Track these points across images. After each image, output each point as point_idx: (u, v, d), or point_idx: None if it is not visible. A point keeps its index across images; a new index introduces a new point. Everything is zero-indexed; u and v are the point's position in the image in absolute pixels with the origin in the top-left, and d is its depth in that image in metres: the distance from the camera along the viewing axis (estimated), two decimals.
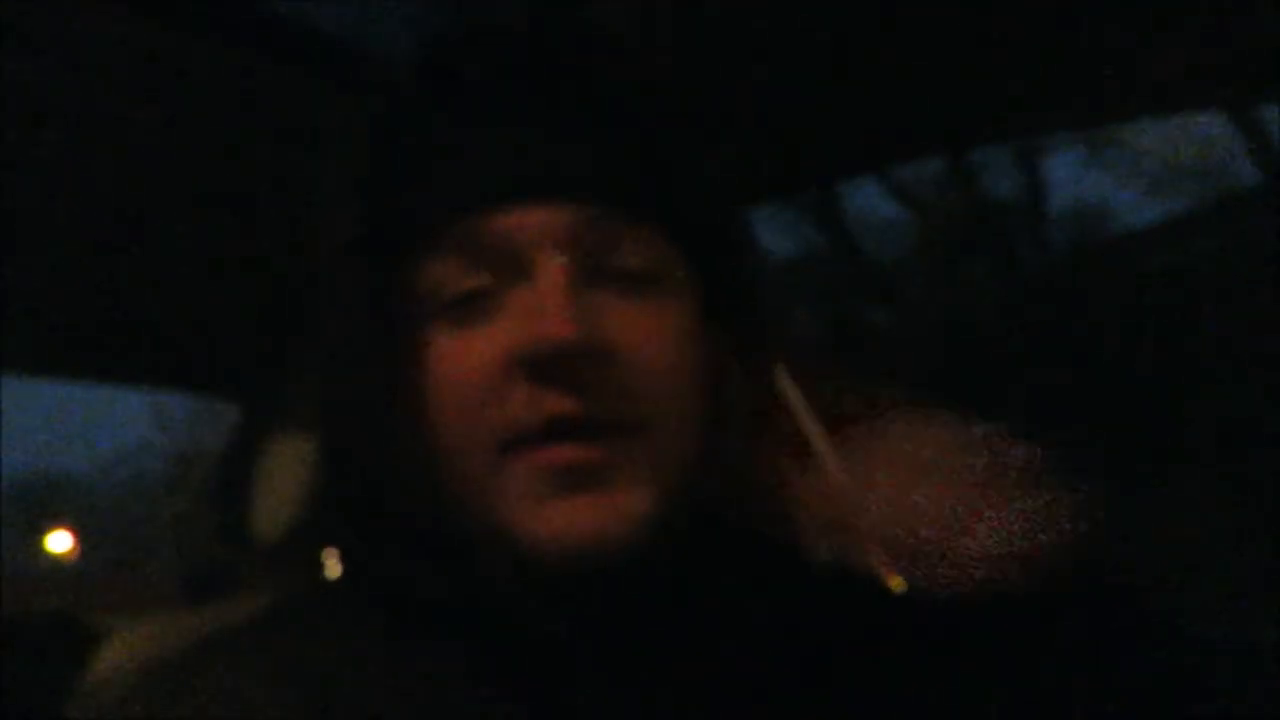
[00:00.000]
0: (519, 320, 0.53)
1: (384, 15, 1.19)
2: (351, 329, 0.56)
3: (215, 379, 1.86)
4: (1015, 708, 0.55)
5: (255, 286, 1.53)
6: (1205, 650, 0.59)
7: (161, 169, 1.27)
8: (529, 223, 0.54)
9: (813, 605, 0.59)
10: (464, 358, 0.54)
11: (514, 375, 0.53)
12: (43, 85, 1.11)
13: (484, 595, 0.54)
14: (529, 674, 0.53)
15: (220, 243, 1.45)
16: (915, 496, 0.56)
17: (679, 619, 0.56)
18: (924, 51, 1.25)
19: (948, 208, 5.16)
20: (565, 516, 0.52)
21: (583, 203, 0.55)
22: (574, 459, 0.52)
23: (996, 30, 1.22)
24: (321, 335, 0.59)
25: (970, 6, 1.18)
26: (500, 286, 0.54)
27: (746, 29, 1.17)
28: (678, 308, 0.57)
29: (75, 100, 1.14)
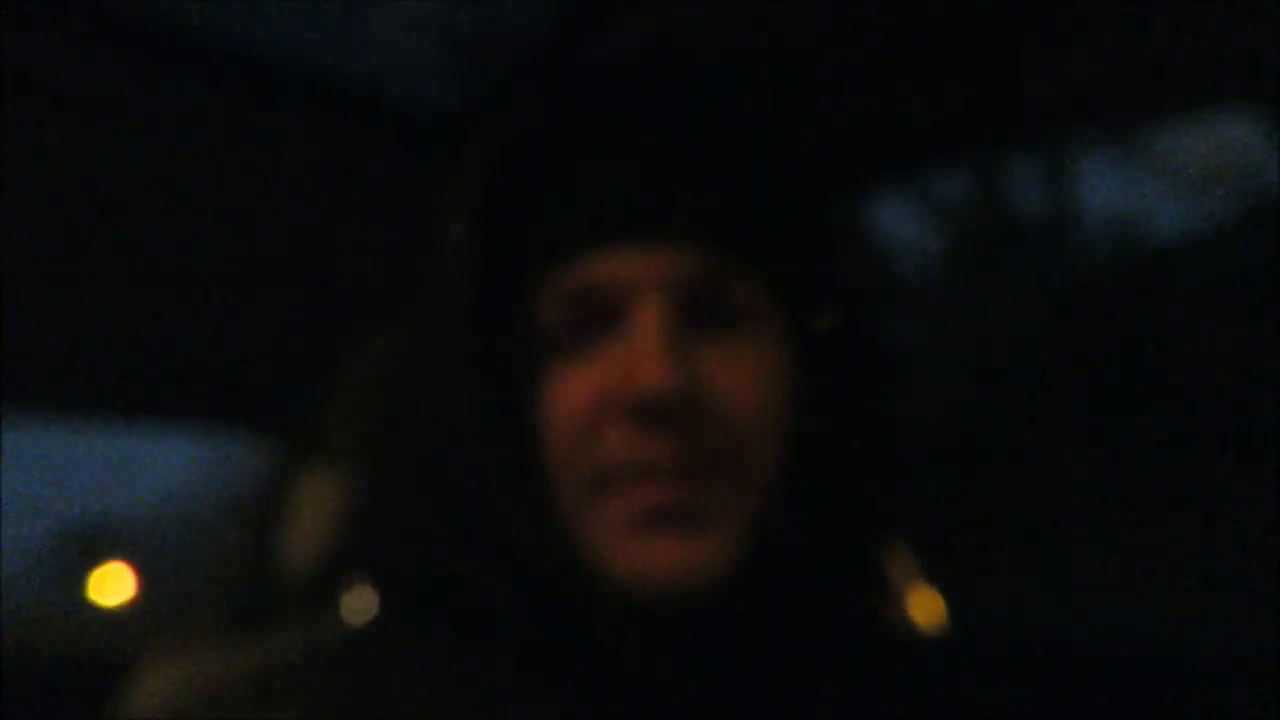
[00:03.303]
0: (617, 363, 0.55)
1: (393, 61, 1.22)
2: (465, 366, 0.57)
3: (254, 417, 1.89)
4: None
5: (293, 325, 1.55)
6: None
7: (202, 220, 1.30)
8: (630, 265, 0.56)
9: (875, 672, 0.61)
10: (563, 396, 0.56)
11: (610, 416, 0.55)
12: (87, 134, 1.14)
13: (565, 629, 0.55)
14: (604, 707, 0.54)
15: (260, 285, 1.48)
16: None
17: (751, 662, 0.56)
18: (949, 62, 1.24)
19: (978, 222, 5.12)
20: (654, 554, 0.54)
21: (683, 246, 0.56)
22: (664, 499, 0.54)
23: (1024, 37, 1.21)
24: (431, 373, 0.59)
25: (997, 14, 1.18)
26: (601, 328, 0.56)
27: (765, 40, 1.18)
28: (769, 351, 0.58)
29: (120, 153, 1.17)
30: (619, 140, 0.59)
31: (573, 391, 0.56)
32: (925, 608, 1.48)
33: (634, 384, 0.54)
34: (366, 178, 1.30)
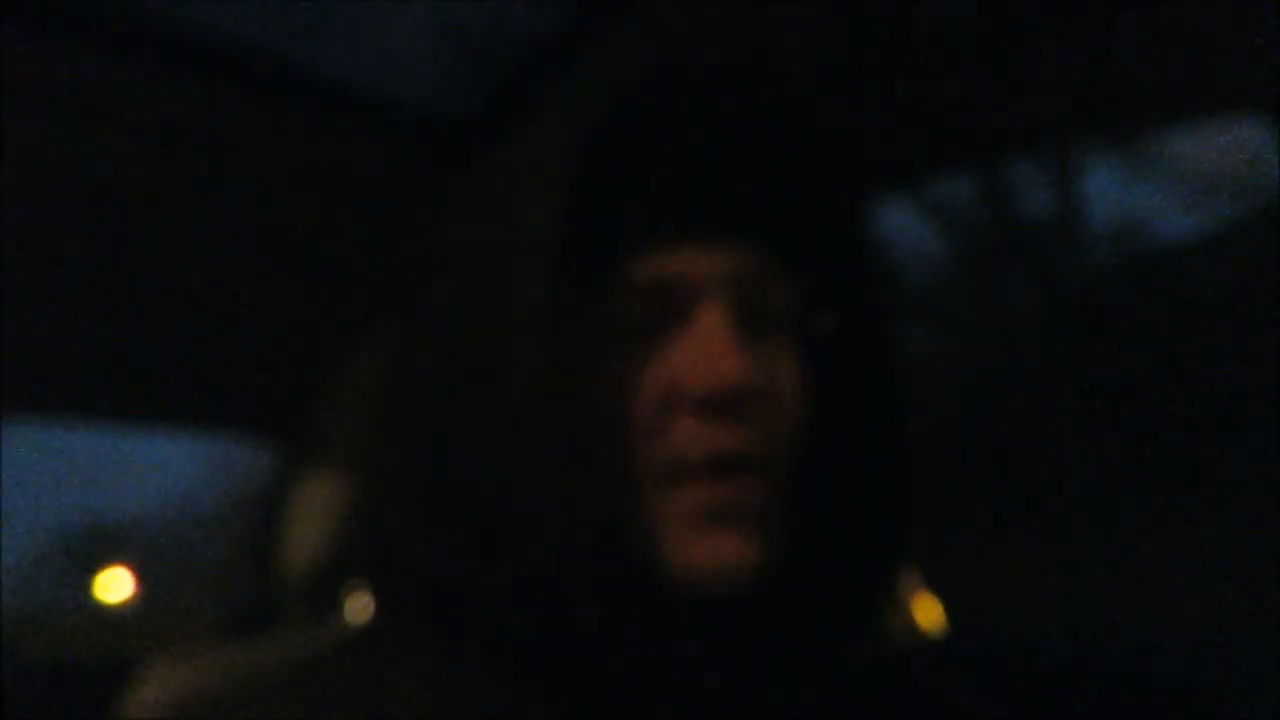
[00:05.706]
0: (686, 355, 0.56)
1: (396, 63, 1.22)
2: (533, 361, 0.56)
3: (255, 419, 1.89)
4: None
5: (295, 326, 1.55)
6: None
7: (204, 221, 1.30)
8: (695, 264, 0.57)
9: (879, 676, 0.63)
10: (633, 387, 0.57)
11: (677, 409, 0.56)
12: (87, 135, 1.14)
13: (595, 622, 0.55)
14: (614, 706, 0.54)
15: (262, 286, 1.48)
16: None
17: (764, 659, 0.58)
18: (955, 67, 1.25)
19: (982, 226, 5.13)
20: (713, 549, 0.55)
21: (744, 247, 0.58)
22: (732, 494, 0.56)
23: (1029, 41, 1.21)
24: (495, 367, 0.59)
25: (1003, 19, 1.18)
26: (666, 322, 0.57)
27: (768, 42, 1.18)
28: (796, 354, 0.60)
29: (121, 153, 1.17)
30: (688, 144, 0.60)
31: (642, 383, 0.57)
32: (926, 613, 1.48)
33: (705, 376, 0.55)
34: (370, 178, 1.31)
